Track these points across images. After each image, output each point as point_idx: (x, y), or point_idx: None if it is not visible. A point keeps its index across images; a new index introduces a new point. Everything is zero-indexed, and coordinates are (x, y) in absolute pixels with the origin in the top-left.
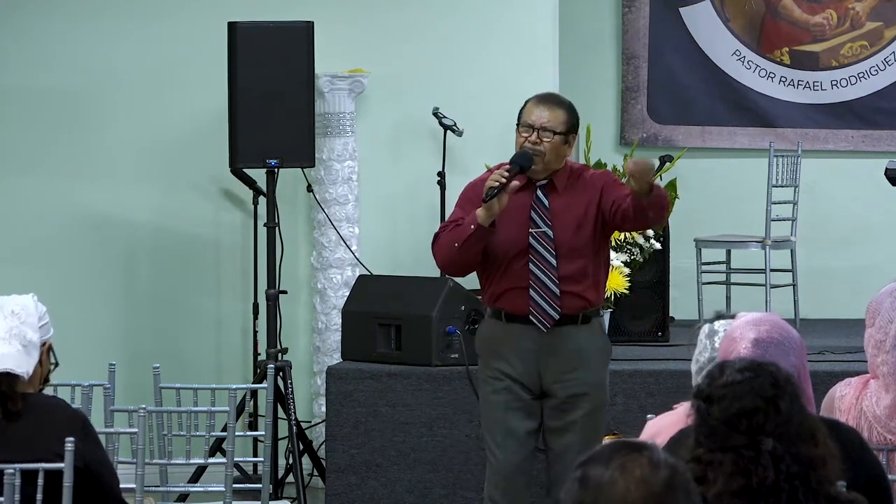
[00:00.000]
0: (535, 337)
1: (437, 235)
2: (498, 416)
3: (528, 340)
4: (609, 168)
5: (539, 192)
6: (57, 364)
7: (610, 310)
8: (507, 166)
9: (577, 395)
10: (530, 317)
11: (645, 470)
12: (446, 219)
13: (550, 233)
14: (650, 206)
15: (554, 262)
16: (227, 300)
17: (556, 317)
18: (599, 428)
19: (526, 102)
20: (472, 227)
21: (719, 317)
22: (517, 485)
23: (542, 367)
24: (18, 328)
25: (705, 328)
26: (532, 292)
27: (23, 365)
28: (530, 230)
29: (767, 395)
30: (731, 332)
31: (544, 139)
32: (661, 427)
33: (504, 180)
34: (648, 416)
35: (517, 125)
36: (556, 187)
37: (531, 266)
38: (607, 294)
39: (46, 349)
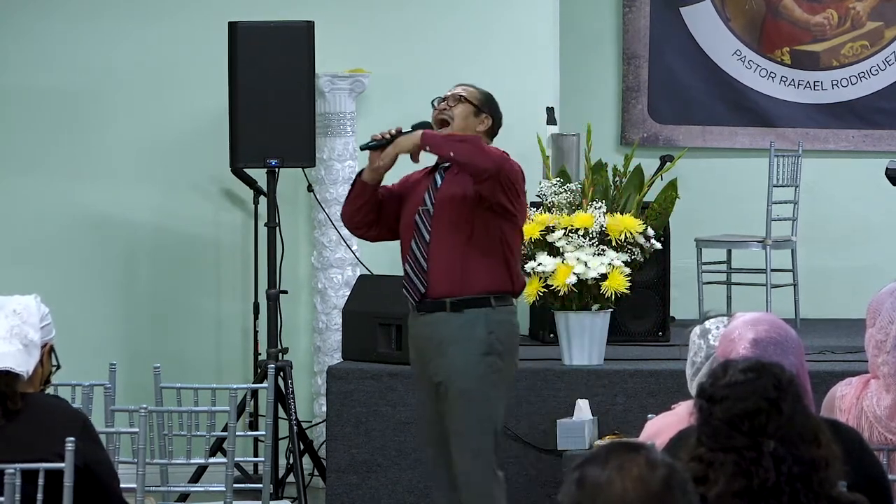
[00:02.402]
0: (417, 324)
1: None
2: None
3: (414, 328)
4: (609, 168)
5: (438, 174)
6: (59, 366)
7: (611, 309)
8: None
9: (441, 382)
10: (402, 290)
11: (642, 469)
12: None
13: (432, 211)
14: (441, 150)
15: (427, 238)
16: (227, 300)
17: (423, 290)
18: (472, 421)
19: None
20: (355, 176)
21: (707, 318)
22: (429, 465)
23: (425, 354)
24: (19, 327)
25: (696, 329)
26: (406, 266)
27: (22, 364)
28: (418, 208)
29: (770, 396)
30: (730, 332)
31: (451, 105)
32: (661, 427)
33: (388, 136)
34: (649, 416)
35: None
36: (454, 169)
37: (412, 243)
38: (607, 294)
39: (48, 350)
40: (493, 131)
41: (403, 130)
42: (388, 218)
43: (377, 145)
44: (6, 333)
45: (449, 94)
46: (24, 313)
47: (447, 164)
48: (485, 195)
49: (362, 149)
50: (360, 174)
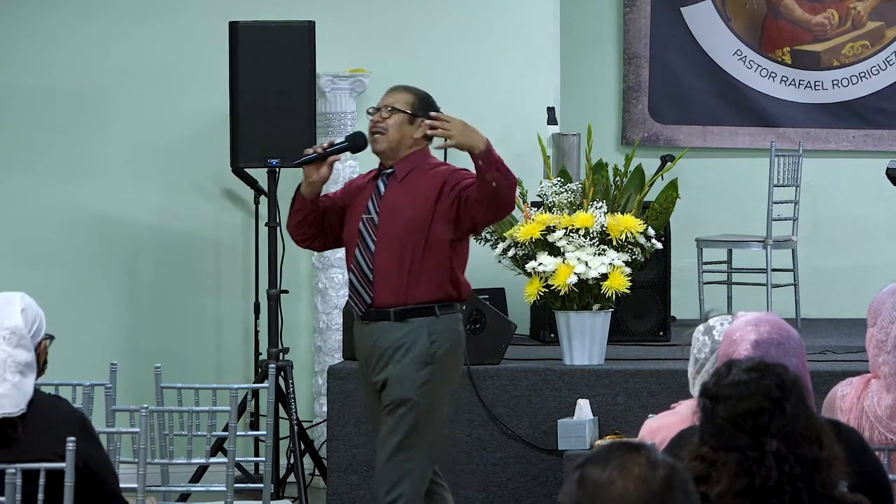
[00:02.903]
0: (363, 333)
1: None
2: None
3: (359, 336)
4: (610, 168)
5: (380, 180)
6: (53, 337)
7: (611, 309)
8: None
9: (383, 388)
10: (349, 300)
11: (643, 469)
12: None
13: (376, 220)
14: (488, 169)
15: (372, 247)
16: (228, 300)
17: (369, 301)
18: (407, 429)
19: None
20: (295, 190)
21: (708, 317)
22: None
23: (370, 363)
24: (12, 356)
25: (700, 327)
26: (352, 276)
27: (20, 401)
28: (362, 216)
29: (773, 396)
30: (731, 332)
31: (384, 117)
32: (662, 426)
33: (321, 150)
34: (650, 415)
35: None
36: (397, 176)
37: (356, 252)
38: (608, 293)
39: (44, 346)
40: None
41: (336, 142)
42: (332, 227)
43: (311, 160)
44: None
45: (381, 105)
46: (15, 335)
47: (389, 171)
48: (476, 218)
49: (295, 165)
50: (298, 188)
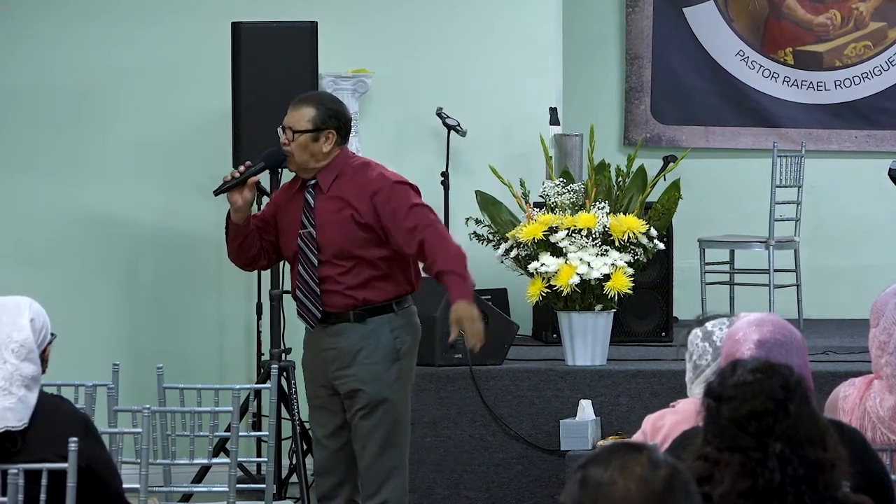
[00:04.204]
0: (319, 335)
1: None
2: (310, 416)
3: (315, 339)
4: (612, 169)
5: (307, 193)
6: (54, 336)
7: (614, 310)
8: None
9: (352, 391)
10: (298, 318)
11: (645, 469)
12: None
13: (314, 233)
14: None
15: (315, 261)
16: (230, 300)
17: (318, 315)
18: (388, 428)
19: None
20: (226, 220)
21: (704, 320)
22: (325, 483)
23: (329, 364)
24: (19, 369)
25: (697, 331)
26: (299, 293)
27: (24, 415)
28: (299, 231)
29: (777, 397)
30: (734, 332)
31: (289, 139)
32: (663, 424)
33: (238, 175)
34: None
35: None
36: (322, 187)
37: (299, 267)
38: (610, 294)
39: (47, 351)
40: (343, 135)
41: (249, 164)
42: (271, 245)
43: (231, 186)
44: (5, 383)
45: (284, 124)
46: (24, 348)
47: (314, 182)
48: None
49: (216, 194)
50: (228, 216)
